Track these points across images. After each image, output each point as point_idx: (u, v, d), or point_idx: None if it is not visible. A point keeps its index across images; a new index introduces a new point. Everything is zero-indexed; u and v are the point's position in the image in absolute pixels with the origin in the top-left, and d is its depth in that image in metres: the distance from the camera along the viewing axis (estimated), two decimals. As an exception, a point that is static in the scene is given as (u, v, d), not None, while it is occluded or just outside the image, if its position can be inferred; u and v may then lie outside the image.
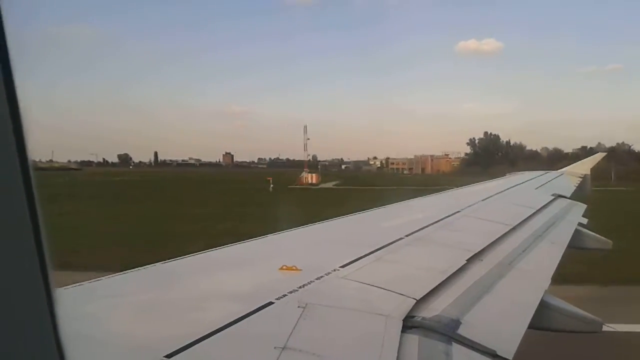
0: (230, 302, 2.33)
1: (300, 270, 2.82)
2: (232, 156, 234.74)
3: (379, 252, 3.39)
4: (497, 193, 7.84)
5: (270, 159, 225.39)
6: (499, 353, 2.16)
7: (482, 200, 6.78)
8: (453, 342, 2.17)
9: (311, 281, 2.61)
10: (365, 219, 5.37)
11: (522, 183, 10.18)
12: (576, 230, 5.86)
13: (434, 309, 2.47)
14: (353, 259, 3.13)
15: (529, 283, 3.40)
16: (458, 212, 5.43)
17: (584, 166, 14.02)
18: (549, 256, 4.23)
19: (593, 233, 6.40)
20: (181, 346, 1.74)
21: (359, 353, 1.98)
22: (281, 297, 2.33)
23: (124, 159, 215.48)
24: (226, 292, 2.58)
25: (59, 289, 2.21)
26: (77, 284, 2.50)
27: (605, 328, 3.35)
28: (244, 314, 2.08)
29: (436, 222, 4.72)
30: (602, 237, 6.44)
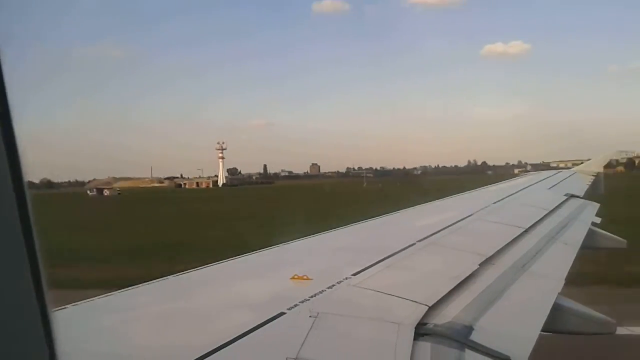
0: (242, 313, 2.34)
1: (312, 279, 2.82)
2: (319, 167, 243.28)
3: (390, 258, 3.38)
4: (509, 195, 7.79)
5: (373, 168, 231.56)
6: (512, 358, 2.15)
7: (494, 202, 6.74)
8: (466, 349, 2.17)
9: (322, 290, 2.62)
10: (377, 225, 5.37)
11: (534, 184, 10.11)
12: (590, 230, 5.81)
13: (447, 316, 2.46)
14: (364, 266, 3.12)
15: (541, 286, 3.37)
16: (470, 215, 5.41)
17: (597, 164, 13.88)
18: (562, 258, 4.20)
19: (607, 232, 6.34)
20: (194, 359, 1.75)
21: None
22: (293, 307, 2.33)
23: (232, 172, 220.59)
24: (238, 303, 2.59)
25: (58, 309, 2.24)
26: (91, 299, 2.54)
27: (619, 330, 3.32)
28: (256, 325, 2.09)
29: (448, 226, 4.70)
30: (616, 237, 6.37)
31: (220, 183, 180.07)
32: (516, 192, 8.32)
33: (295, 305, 2.36)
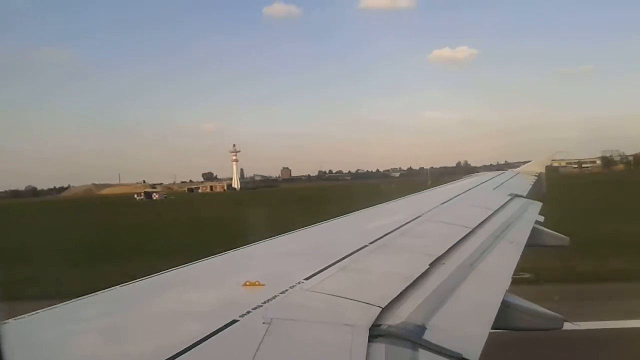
0: (192, 323, 2.27)
1: (264, 285, 2.78)
2: (290, 171, 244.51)
3: (343, 261, 3.38)
4: (456, 196, 7.96)
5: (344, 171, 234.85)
6: (464, 356, 2.17)
7: (442, 203, 6.86)
8: (419, 348, 2.18)
9: (275, 296, 2.58)
10: (329, 228, 5.37)
11: (480, 184, 10.39)
12: (533, 229, 5.99)
13: (400, 316, 2.47)
14: (317, 270, 3.10)
15: (490, 283, 3.44)
16: (419, 217, 5.49)
17: (539, 165, 14.43)
18: (508, 256, 4.31)
19: (550, 230, 6.55)
20: None
21: None
22: (245, 314, 2.28)
23: (208, 176, 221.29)
24: (188, 312, 2.51)
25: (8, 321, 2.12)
26: (30, 313, 2.40)
27: (566, 325, 3.42)
28: (207, 334, 2.03)
29: (398, 228, 4.74)
30: (559, 234, 6.59)
31: (237, 186, 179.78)
32: (463, 193, 8.52)
33: (248, 312, 2.32)
